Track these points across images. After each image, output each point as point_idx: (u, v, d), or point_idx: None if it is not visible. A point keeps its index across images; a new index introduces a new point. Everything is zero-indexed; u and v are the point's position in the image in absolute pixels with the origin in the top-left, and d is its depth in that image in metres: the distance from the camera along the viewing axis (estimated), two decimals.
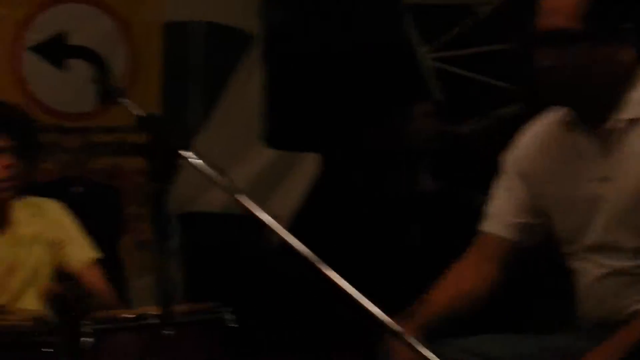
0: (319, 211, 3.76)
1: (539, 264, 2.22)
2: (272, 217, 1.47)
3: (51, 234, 2.74)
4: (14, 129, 2.52)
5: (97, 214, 3.77)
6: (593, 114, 1.91)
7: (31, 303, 2.60)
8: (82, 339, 2.30)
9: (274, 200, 4.18)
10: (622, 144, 1.86)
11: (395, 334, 1.43)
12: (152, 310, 2.29)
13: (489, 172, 2.17)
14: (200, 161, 1.60)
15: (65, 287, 2.38)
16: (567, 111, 1.96)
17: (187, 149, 1.61)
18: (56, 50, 4.17)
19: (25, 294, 2.64)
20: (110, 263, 3.62)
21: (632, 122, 1.86)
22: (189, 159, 1.59)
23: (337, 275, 1.44)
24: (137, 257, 4.10)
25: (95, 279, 2.71)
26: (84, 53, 4.18)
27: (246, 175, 4.17)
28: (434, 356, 1.46)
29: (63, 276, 2.41)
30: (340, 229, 3.30)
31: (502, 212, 2.07)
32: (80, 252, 2.75)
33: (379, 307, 1.48)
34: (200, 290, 3.83)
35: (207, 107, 4.37)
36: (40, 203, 2.83)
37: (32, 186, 3.66)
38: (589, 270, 1.96)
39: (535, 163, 2.04)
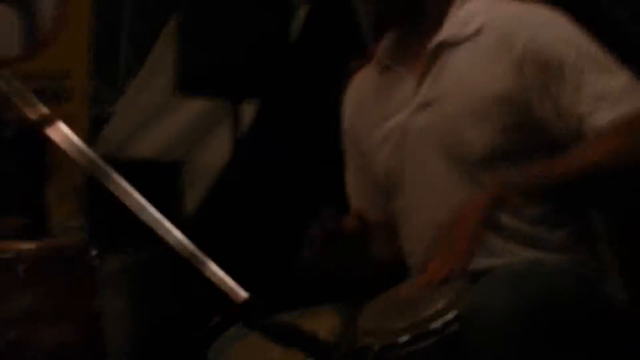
0: (251, 164, 3.67)
1: None
2: None
3: None
4: None
5: (26, 158, 3.87)
6: (409, 37, 1.79)
7: None
8: None
9: (201, 152, 4.20)
10: (441, 67, 1.72)
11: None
12: (11, 245, 2.46)
13: None
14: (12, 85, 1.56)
15: None
16: (384, 48, 1.85)
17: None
18: None
19: None
20: (36, 207, 3.90)
21: (452, 44, 1.73)
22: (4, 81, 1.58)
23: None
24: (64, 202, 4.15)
25: None
26: None
27: (172, 127, 4.24)
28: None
29: None
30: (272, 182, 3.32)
31: (355, 185, 1.98)
32: None
33: None
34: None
35: (137, 60, 4.44)
36: None
37: None
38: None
39: (357, 113, 1.93)
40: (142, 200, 1.49)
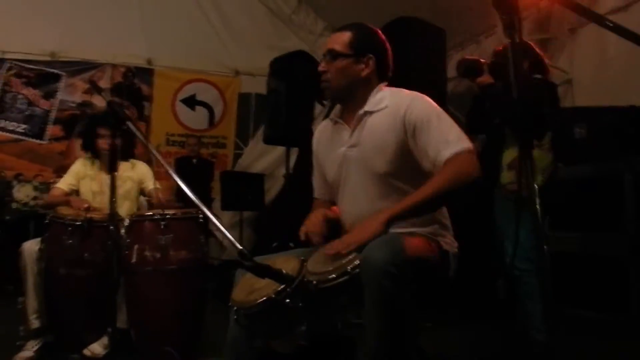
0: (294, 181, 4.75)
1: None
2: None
3: (137, 176, 3.47)
4: (112, 125, 2.79)
5: (201, 174, 5.99)
6: (348, 107, 2.09)
7: (123, 210, 3.28)
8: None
9: (274, 170, 6.24)
10: (363, 125, 2.01)
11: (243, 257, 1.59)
12: (159, 211, 2.93)
13: None
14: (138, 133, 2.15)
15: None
16: (336, 110, 2.15)
17: (132, 122, 2.09)
18: (191, 102, 6.52)
19: (121, 205, 3.27)
20: (206, 199, 5.53)
21: (370, 112, 2.02)
22: (131, 127, 2.08)
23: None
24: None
25: (156, 195, 3.40)
26: (203, 103, 6.57)
27: (265, 159, 6.41)
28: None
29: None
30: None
31: (317, 184, 2.27)
32: (150, 184, 3.45)
33: None
34: None
35: (254, 131, 6.74)
36: (136, 162, 3.52)
37: (182, 161, 5.50)
38: (351, 202, 2.05)
39: (319, 145, 2.23)
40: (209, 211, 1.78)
